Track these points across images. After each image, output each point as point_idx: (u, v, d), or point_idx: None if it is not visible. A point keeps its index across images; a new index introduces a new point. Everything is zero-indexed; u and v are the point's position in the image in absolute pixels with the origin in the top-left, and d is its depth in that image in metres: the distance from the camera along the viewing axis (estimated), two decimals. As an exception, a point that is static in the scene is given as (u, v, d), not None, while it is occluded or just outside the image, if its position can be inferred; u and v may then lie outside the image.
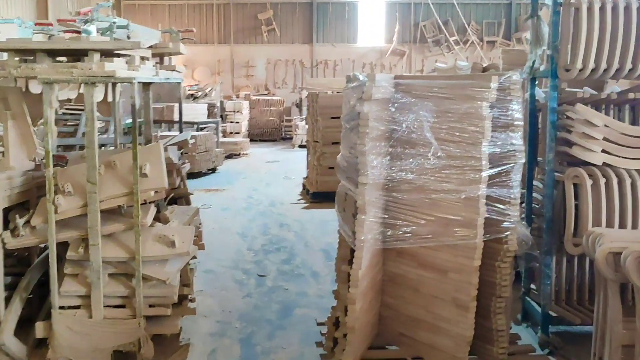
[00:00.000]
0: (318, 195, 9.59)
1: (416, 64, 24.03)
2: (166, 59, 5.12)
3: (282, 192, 10.69)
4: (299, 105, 22.18)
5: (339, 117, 9.84)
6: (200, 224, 4.90)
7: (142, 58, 4.44)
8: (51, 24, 4.40)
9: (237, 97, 21.79)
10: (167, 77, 4.66)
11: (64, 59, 4.39)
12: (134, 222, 3.85)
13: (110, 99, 5.16)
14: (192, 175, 11.60)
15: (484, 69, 5.62)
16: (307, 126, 17.62)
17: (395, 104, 3.51)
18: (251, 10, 23.55)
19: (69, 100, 8.82)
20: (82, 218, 3.89)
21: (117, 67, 3.79)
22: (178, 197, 4.90)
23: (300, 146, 18.20)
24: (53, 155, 4.98)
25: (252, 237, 7.46)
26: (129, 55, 4.16)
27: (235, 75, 23.96)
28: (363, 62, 23.66)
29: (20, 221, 3.91)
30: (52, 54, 3.95)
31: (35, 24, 4.17)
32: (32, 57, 4.01)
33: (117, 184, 3.91)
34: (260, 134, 20.92)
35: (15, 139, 4.17)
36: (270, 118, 21.12)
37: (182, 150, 5.05)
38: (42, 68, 3.70)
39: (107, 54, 3.97)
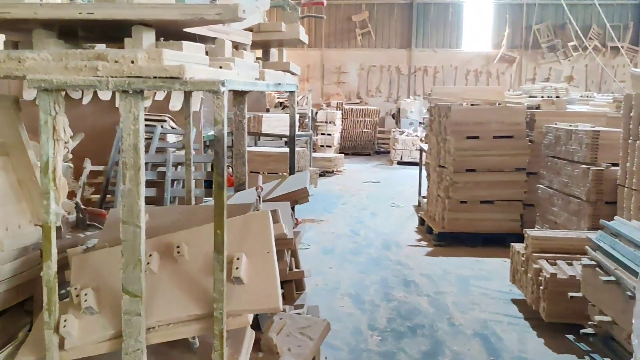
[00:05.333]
0: (446, 237, 7.41)
1: (527, 71, 21.41)
2: (272, 50, 3.15)
3: (394, 227, 8.59)
4: (395, 116, 20.08)
5: (477, 137, 7.68)
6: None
7: (237, 47, 2.49)
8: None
9: (328, 105, 19.87)
10: (278, 83, 2.68)
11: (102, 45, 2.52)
12: (214, 372, 1.89)
13: (193, 108, 3.28)
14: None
15: None
16: (410, 141, 15.77)
17: None
18: (345, 12, 21.65)
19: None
20: (114, 356, 1.98)
21: (188, 59, 1.85)
22: (285, 281, 2.91)
23: (400, 162, 16.10)
24: (82, 209, 3.11)
25: (371, 304, 5.41)
26: (213, 39, 2.20)
27: (325, 81, 22.13)
28: (467, 69, 21.27)
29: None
30: (67, 32, 2.04)
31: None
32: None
33: (182, 295, 1.96)
34: (352, 147, 18.90)
35: (6, 191, 2.29)
36: (364, 130, 19.08)
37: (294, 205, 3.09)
38: (38, 60, 1.79)
39: (170, 32, 2.03)
